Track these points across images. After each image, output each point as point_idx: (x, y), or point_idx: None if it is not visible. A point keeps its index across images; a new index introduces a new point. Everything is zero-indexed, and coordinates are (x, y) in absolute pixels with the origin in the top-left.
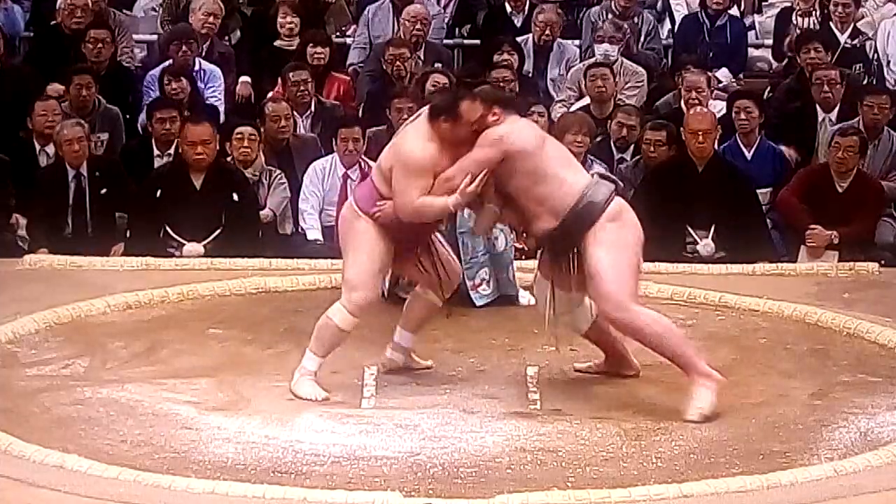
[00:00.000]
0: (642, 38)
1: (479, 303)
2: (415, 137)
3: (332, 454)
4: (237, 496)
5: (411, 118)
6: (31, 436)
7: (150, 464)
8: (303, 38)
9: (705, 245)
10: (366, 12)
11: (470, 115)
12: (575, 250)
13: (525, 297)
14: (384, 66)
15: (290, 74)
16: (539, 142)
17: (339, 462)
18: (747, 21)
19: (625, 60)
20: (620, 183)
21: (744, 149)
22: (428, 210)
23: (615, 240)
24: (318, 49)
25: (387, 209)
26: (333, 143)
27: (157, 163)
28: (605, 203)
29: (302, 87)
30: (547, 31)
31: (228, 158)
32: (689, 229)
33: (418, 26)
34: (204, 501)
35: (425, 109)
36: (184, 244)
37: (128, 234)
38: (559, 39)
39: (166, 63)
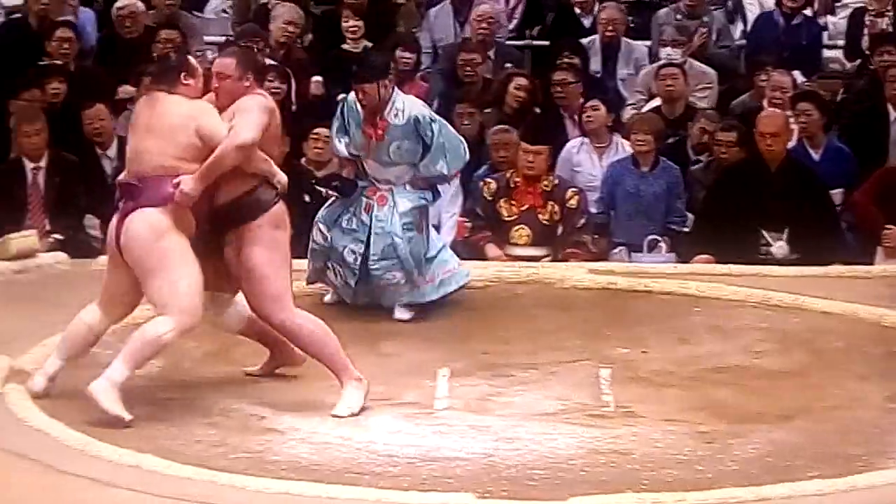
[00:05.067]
0: (714, 38)
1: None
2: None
3: (405, 455)
4: (311, 497)
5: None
6: (107, 436)
7: (225, 464)
8: (390, 42)
9: (779, 247)
10: (427, 16)
11: (227, 71)
12: (225, 244)
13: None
14: (456, 69)
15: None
16: None
17: (413, 463)
18: (820, 22)
19: (693, 62)
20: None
21: (811, 150)
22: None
23: (273, 241)
24: (407, 54)
25: (189, 184)
26: None
27: None
28: (270, 203)
29: None
30: (610, 28)
31: (303, 159)
32: (763, 231)
33: (484, 25)
34: (278, 502)
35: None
36: None
37: None
38: (627, 39)
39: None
